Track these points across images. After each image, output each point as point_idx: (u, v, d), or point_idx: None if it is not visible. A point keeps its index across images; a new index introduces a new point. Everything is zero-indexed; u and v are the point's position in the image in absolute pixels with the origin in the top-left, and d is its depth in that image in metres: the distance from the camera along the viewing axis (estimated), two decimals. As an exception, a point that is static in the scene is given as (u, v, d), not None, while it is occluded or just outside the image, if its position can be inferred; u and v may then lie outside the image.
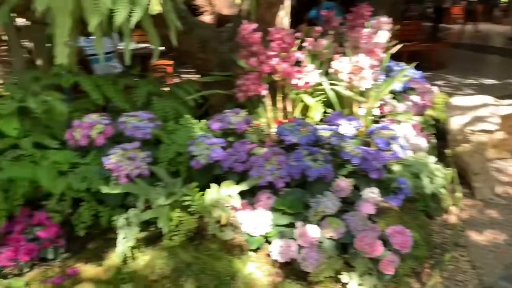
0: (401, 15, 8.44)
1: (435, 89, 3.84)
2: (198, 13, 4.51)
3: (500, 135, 3.36)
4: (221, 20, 4.50)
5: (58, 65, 2.29)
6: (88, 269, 2.06)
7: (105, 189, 2.03)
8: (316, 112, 2.99)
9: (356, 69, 2.87)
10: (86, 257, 2.15)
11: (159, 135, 2.53)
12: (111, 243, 2.17)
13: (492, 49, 9.42)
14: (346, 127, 2.63)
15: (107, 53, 4.54)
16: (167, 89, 3.34)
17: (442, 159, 3.12)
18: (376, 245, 2.03)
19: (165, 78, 3.88)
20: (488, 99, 3.38)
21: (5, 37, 5.16)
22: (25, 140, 2.38)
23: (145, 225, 2.16)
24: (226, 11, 4.50)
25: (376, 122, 3.20)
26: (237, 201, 2.09)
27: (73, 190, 2.20)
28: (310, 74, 2.83)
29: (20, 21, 4.10)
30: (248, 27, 2.81)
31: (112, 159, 2.24)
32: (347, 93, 2.85)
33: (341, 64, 2.91)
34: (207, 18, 4.53)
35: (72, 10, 1.78)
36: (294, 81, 2.83)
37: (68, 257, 2.17)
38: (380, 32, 3.09)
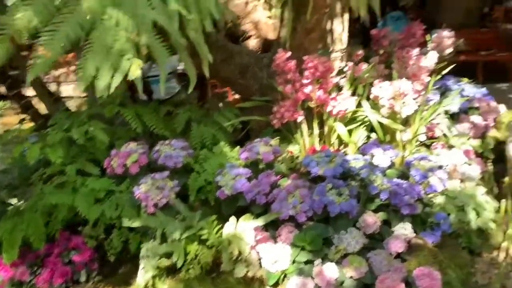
0: (481, 20, 7.64)
1: (504, 106, 3.47)
2: (245, 38, 4.58)
3: None
4: (266, 44, 4.52)
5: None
6: (114, 295, 2.19)
7: (125, 223, 2.15)
8: (353, 140, 2.88)
9: (398, 95, 2.74)
10: (115, 281, 2.30)
11: (191, 164, 2.61)
12: (138, 269, 2.28)
13: None
14: (380, 158, 2.51)
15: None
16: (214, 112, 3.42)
17: (500, 188, 2.85)
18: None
19: (215, 100, 4.00)
20: None
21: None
22: (70, 167, 2.59)
23: (168, 255, 2.24)
24: (271, 35, 4.52)
25: (427, 146, 3.01)
26: (251, 237, 2.09)
27: (106, 217, 2.35)
28: (345, 101, 2.74)
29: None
30: (282, 55, 2.80)
31: (142, 189, 2.35)
32: (385, 121, 2.72)
33: (381, 90, 2.79)
34: (253, 42, 4.59)
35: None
36: (329, 108, 2.77)
37: (99, 280, 2.33)
38: (431, 53, 2.93)
